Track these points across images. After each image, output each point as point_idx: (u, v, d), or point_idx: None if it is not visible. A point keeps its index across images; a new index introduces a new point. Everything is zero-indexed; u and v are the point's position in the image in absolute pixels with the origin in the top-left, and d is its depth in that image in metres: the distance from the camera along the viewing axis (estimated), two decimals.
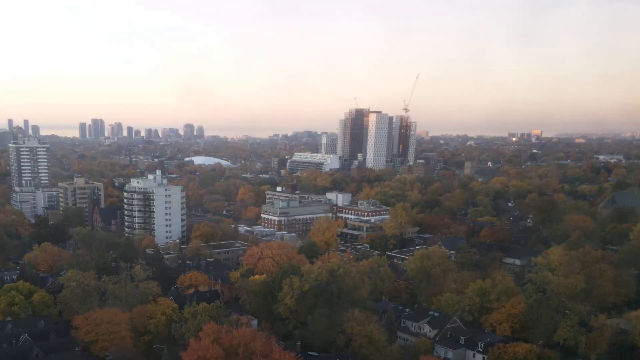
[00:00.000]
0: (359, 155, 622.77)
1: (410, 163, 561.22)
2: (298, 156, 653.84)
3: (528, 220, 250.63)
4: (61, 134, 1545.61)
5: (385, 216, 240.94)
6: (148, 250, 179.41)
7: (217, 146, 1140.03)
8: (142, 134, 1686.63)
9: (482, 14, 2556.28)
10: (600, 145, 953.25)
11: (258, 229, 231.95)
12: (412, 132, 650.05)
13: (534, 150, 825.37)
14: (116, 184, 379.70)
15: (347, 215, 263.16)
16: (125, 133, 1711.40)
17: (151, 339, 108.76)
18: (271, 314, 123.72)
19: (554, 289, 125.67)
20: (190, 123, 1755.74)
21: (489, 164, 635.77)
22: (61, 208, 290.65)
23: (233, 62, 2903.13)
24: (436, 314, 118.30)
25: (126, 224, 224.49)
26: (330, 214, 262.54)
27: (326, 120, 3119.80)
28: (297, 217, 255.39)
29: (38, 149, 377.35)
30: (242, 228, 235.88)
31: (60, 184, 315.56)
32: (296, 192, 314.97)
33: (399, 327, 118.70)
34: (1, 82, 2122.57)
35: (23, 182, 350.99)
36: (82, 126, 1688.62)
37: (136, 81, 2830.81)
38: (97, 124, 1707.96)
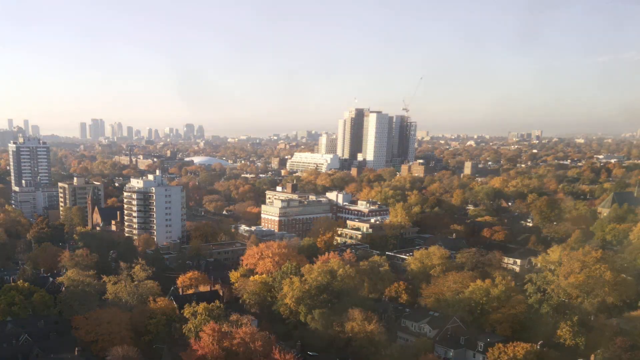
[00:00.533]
0: (359, 155, 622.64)
1: (410, 163, 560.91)
2: (298, 156, 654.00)
3: (528, 220, 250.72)
4: (61, 134, 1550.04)
5: (385, 216, 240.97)
6: (148, 250, 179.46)
7: (217, 146, 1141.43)
8: (143, 133, 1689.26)
9: (482, 13, 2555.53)
10: (600, 145, 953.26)
11: (258, 229, 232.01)
12: (412, 132, 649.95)
13: (534, 150, 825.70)
14: (116, 184, 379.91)
15: (347, 215, 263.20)
16: (125, 133, 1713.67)
17: (151, 339, 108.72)
18: (271, 314, 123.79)
19: (554, 289, 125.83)
20: (191, 123, 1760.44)
21: (489, 164, 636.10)
22: (61, 208, 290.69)
23: (233, 62, 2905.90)
24: (436, 314, 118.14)
25: (126, 224, 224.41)
26: (330, 214, 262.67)
27: (326, 120, 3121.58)
28: (297, 217, 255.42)
29: (38, 149, 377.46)
30: (242, 228, 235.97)
31: (60, 184, 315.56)
32: (296, 192, 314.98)
33: (399, 327, 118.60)
34: (1, 82, 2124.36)
35: (23, 182, 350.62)
36: (82, 126, 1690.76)
37: (137, 81, 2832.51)
38: (97, 124, 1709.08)
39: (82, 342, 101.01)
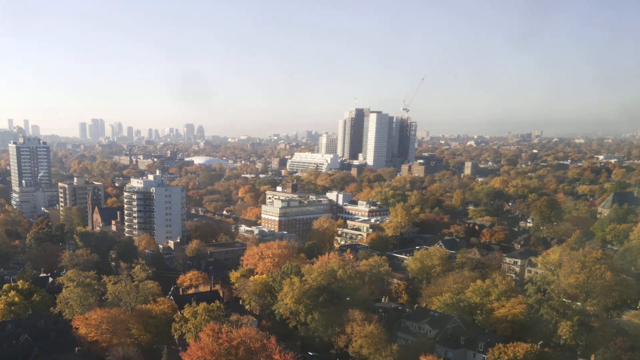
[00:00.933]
0: (359, 155, 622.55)
1: (411, 163, 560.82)
2: (298, 156, 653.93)
3: (528, 221, 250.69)
4: (61, 134, 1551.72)
5: (385, 216, 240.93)
6: (148, 250, 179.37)
7: (217, 146, 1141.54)
8: (143, 134, 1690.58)
9: (483, 13, 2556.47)
10: (600, 145, 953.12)
11: (258, 228, 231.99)
12: (412, 132, 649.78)
13: (534, 150, 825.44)
14: (116, 184, 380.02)
15: (347, 216, 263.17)
16: (125, 133, 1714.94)
17: (151, 339, 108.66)
18: (271, 314, 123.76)
19: (554, 289, 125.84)
20: (191, 123, 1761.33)
21: (489, 164, 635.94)
22: (61, 208, 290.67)
23: (233, 62, 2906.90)
24: (436, 314, 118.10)
25: (126, 224, 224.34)
26: (330, 214, 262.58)
27: (326, 121, 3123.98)
28: (297, 217, 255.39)
29: (38, 149, 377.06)
30: (242, 228, 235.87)
31: (60, 184, 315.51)
32: (296, 192, 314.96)
33: (399, 327, 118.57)
34: (1, 82, 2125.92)
35: (23, 182, 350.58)
36: (82, 126, 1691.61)
37: (137, 81, 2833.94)
38: (97, 124, 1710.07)
39: (82, 342, 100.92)
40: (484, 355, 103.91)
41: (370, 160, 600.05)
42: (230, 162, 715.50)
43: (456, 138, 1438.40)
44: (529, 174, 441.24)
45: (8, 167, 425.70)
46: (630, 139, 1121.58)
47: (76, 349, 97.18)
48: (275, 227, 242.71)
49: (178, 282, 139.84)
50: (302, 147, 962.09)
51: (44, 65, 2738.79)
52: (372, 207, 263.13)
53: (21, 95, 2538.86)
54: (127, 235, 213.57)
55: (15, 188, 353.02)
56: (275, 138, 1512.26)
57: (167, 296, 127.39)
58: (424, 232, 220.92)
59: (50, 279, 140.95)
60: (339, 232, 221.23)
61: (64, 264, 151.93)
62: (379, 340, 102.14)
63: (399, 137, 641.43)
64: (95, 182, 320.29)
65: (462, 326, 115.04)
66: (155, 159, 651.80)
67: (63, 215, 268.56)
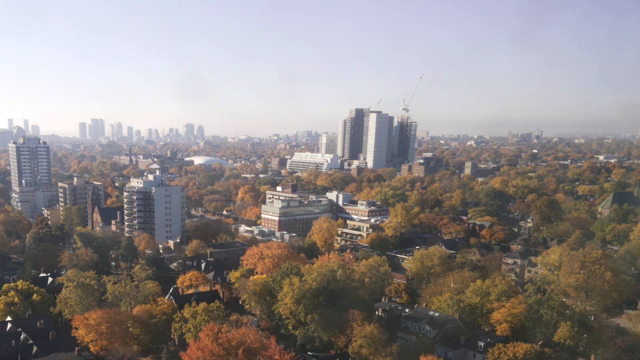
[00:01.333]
0: (359, 155, 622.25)
1: (411, 163, 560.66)
2: (298, 156, 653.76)
3: (528, 221, 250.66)
4: (61, 134, 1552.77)
5: (385, 216, 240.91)
6: (148, 250, 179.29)
7: (217, 146, 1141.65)
8: (143, 133, 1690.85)
9: (483, 14, 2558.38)
10: (600, 145, 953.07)
11: (258, 228, 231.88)
12: (412, 132, 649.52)
13: (534, 150, 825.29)
14: (116, 184, 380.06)
15: (347, 216, 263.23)
16: (125, 133, 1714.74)
17: (151, 339, 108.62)
18: (271, 314, 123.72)
19: (554, 289, 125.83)
20: (191, 123, 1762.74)
21: (489, 164, 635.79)
22: (61, 208, 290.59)
23: (234, 62, 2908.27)
24: (436, 314, 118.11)
25: (126, 224, 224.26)
26: (330, 214, 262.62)
27: (326, 120, 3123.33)
28: (297, 217, 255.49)
29: (38, 149, 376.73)
30: (242, 228, 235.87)
31: (60, 184, 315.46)
32: (296, 192, 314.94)
33: (399, 327, 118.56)
34: (1, 82, 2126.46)
35: (23, 182, 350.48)
36: (82, 126, 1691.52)
37: (137, 81, 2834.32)
38: (97, 124, 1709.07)
39: (82, 342, 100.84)
40: (484, 355, 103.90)
41: (370, 160, 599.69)
42: (230, 162, 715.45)
43: (456, 138, 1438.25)
44: (529, 174, 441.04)
45: (8, 167, 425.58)
46: (630, 139, 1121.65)
47: (76, 348, 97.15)
48: (275, 227, 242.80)
49: (178, 282, 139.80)
50: (302, 147, 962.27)
51: (44, 65, 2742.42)
52: (372, 207, 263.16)
53: (21, 95, 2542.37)
54: (127, 235, 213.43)
55: (15, 188, 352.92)
56: (275, 138, 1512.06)
57: (167, 296, 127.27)
58: (424, 232, 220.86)
59: (50, 279, 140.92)
60: (339, 232, 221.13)
61: (64, 264, 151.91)
62: (378, 340, 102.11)
63: (398, 137, 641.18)
64: (95, 182, 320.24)
65: (462, 326, 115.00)
66: (155, 159, 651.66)
67: (63, 215, 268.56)
